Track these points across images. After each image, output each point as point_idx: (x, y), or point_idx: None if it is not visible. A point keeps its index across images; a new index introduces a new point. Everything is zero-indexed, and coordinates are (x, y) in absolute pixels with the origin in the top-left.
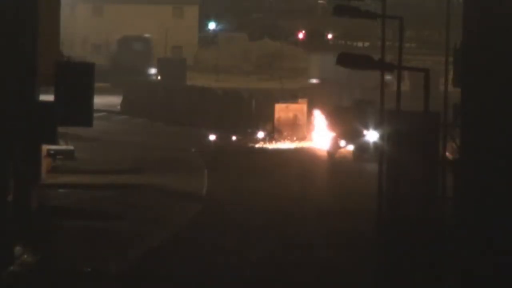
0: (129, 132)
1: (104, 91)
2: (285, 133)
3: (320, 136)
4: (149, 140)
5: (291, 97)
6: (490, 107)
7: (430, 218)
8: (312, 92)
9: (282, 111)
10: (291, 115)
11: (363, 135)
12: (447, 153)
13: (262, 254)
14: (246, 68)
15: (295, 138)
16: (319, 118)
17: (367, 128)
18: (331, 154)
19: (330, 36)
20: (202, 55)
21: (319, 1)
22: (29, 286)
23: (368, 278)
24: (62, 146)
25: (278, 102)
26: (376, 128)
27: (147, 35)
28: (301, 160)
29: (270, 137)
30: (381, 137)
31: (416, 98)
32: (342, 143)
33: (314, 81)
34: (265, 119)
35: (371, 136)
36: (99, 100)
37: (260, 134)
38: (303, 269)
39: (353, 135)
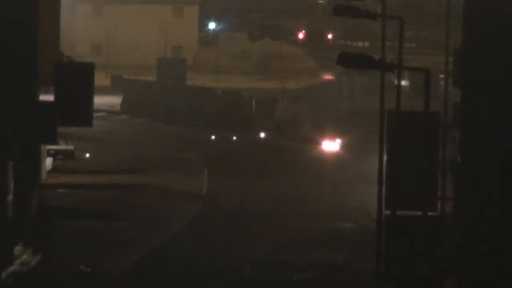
0: (129, 132)
1: (104, 91)
2: (285, 133)
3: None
4: (149, 140)
5: (291, 97)
6: (490, 107)
7: (430, 218)
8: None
9: (282, 111)
10: (291, 115)
11: None
12: (447, 153)
13: (261, 255)
14: (246, 68)
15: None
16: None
17: None
18: None
19: (330, 36)
20: (202, 55)
21: (319, 1)
22: (29, 286)
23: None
24: (62, 146)
25: (278, 102)
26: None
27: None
28: None
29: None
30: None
31: (415, 98)
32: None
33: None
34: (266, 119)
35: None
36: (99, 100)
37: (261, 134)
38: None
39: None
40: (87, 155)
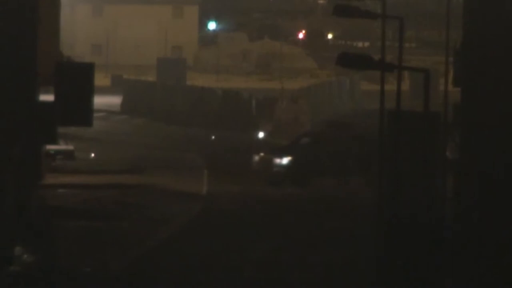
0: (129, 132)
1: (104, 91)
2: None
3: None
4: (149, 140)
5: (291, 97)
6: (490, 107)
7: (430, 219)
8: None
9: (282, 111)
10: (291, 115)
11: None
12: (447, 153)
13: (261, 255)
14: (246, 68)
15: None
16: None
17: None
18: None
19: (330, 36)
20: (202, 55)
21: (319, 1)
22: (29, 286)
23: (368, 279)
24: (62, 146)
25: (278, 102)
26: None
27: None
28: None
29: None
30: (381, 138)
31: (415, 98)
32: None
33: None
34: (266, 119)
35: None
36: (99, 100)
37: (261, 134)
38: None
39: None
40: (92, 155)
